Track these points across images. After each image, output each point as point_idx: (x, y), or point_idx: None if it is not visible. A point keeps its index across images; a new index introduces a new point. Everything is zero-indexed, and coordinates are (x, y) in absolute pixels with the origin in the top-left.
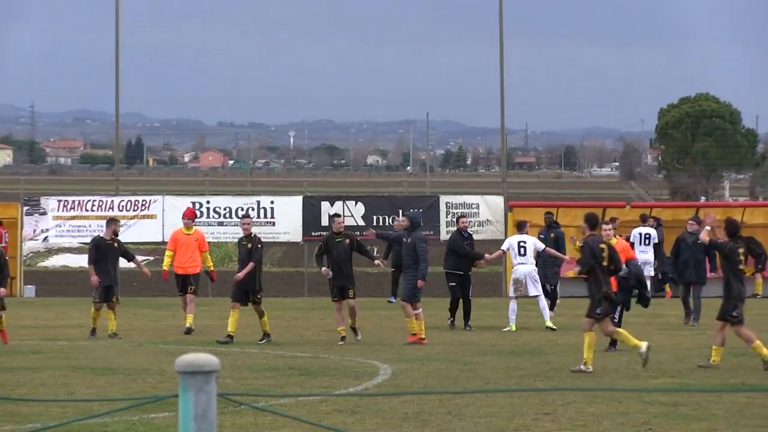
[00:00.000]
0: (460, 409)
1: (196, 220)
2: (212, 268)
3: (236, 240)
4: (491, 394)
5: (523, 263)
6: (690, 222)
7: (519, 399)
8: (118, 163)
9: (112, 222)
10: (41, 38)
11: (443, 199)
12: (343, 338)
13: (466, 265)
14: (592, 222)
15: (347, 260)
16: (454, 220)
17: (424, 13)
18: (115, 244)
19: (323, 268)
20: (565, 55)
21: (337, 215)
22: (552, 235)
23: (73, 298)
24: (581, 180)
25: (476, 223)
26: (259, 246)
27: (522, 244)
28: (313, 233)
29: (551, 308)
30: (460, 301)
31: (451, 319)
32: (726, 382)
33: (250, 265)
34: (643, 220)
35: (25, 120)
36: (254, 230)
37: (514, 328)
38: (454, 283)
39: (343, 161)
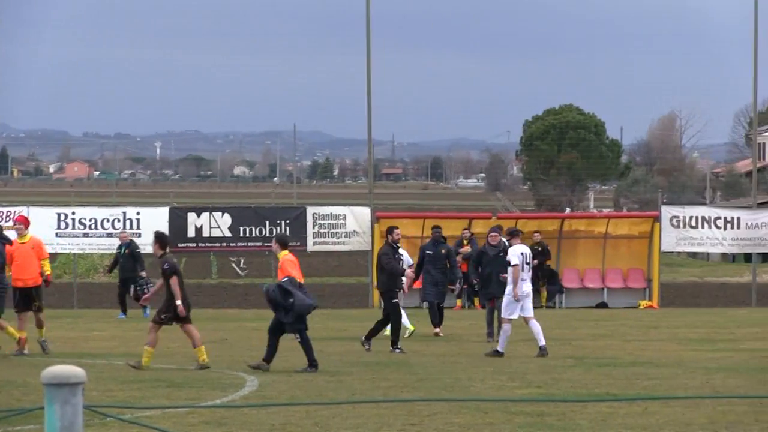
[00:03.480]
0: (326, 420)
1: (67, 230)
2: (48, 273)
3: (102, 251)
4: (358, 405)
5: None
6: (492, 234)
7: (385, 410)
8: None
9: None
10: None
11: (310, 210)
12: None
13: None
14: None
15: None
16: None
17: (291, 23)
18: None
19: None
20: (433, 65)
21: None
22: (443, 251)
23: None
24: (448, 191)
25: (343, 234)
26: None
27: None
28: (179, 244)
29: (439, 324)
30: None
31: (368, 345)
32: (590, 392)
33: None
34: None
35: None
36: (114, 242)
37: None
38: (396, 300)
39: (209, 172)
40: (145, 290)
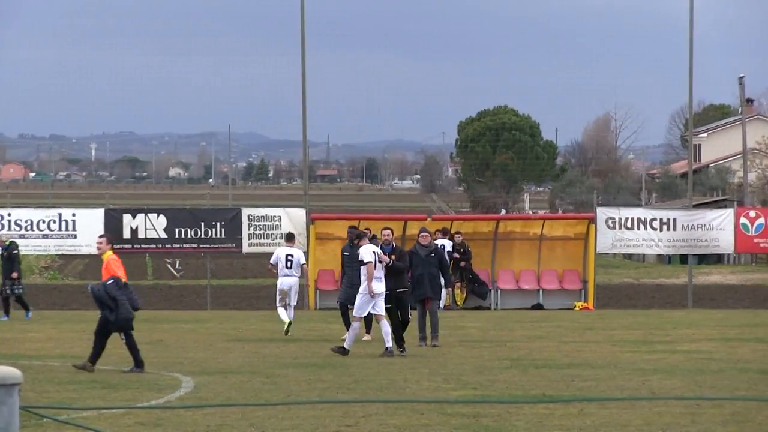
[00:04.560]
0: (262, 422)
1: (2, 231)
2: None
3: (38, 252)
4: (294, 407)
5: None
6: (423, 234)
7: (321, 411)
8: None
9: None
10: None
11: (245, 212)
12: None
13: (403, 282)
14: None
15: None
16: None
17: (225, 24)
18: None
19: None
20: (367, 67)
21: None
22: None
23: None
24: (383, 192)
25: (278, 236)
26: None
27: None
28: (114, 245)
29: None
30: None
31: (402, 351)
32: (526, 394)
33: None
34: (444, 233)
35: None
36: (50, 243)
37: None
38: (390, 305)
39: (145, 174)
40: (7, 291)
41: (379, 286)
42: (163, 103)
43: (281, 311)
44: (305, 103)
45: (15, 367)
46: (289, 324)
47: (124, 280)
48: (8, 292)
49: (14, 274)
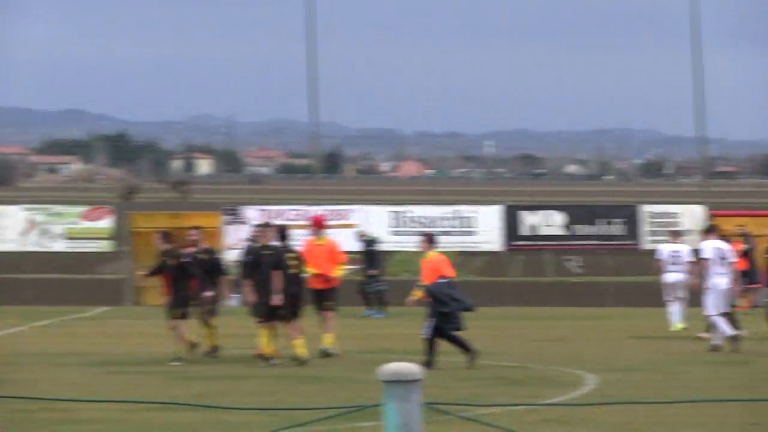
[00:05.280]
0: (668, 420)
1: (402, 228)
2: (335, 276)
3: (441, 250)
4: (698, 405)
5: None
6: None
7: (726, 409)
8: (316, 172)
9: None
10: (237, 49)
11: (644, 208)
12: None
13: None
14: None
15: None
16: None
17: (615, 19)
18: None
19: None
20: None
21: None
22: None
23: None
24: None
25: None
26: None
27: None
28: (513, 242)
29: None
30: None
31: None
32: None
33: None
34: None
35: (224, 130)
36: (450, 240)
37: None
38: None
39: (543, 170)
40: (367, 288)
41: (722, 282)
42: (556, 100)
43: (670, 310)
44: (703, 99)
45: (416, 364)
46: (683, 328)
47: (452, 276)
48: (368, 289)
49: (373, 271)
